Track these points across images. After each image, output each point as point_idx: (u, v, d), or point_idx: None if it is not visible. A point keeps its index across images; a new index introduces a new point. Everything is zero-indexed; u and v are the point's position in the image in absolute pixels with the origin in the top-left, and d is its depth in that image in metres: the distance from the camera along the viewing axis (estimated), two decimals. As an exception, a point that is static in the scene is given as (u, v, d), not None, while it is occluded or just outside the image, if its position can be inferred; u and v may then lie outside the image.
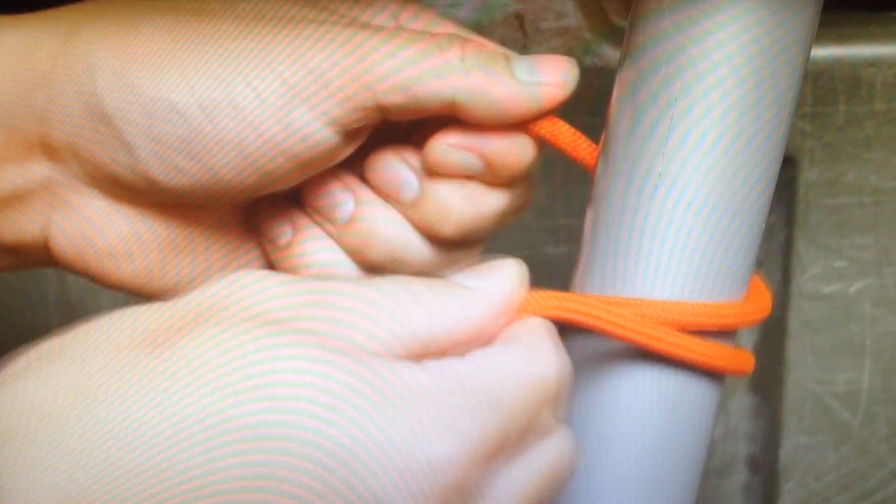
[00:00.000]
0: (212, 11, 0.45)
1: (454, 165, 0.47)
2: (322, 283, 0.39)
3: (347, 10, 0.47)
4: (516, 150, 0.47)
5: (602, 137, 0.46)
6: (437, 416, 0.37)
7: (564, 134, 0.48)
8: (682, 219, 0.44)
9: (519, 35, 0.64)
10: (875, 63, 0.66)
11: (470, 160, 0.47)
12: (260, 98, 0.43)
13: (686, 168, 0.44)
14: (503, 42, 0.64)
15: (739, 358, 0.46)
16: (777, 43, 0.43)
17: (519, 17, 0.64)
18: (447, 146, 0.47)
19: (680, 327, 0.44)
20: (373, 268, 0.49)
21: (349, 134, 0.46)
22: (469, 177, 0.48)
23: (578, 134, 0.48)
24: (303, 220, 0.49)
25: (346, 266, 0.49)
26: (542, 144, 0.48)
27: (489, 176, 0.48)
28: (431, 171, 0.48)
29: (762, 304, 0.46)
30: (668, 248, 0.44)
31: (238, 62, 0.43)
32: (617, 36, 0.65)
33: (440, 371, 0.38)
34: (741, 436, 0.73)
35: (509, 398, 0.39)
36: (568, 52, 0.64)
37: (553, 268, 0.65)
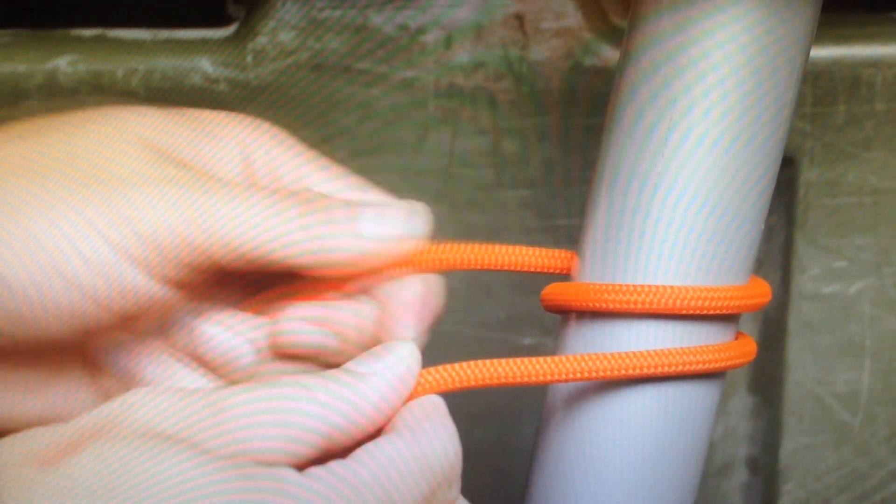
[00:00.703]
0: (44, 167, 0.44)
1: (305, 345, 0.47)
2: (216, 394, 0.40)
3: (191, 142, 0.47)
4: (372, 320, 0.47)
5: (602, 137, 0.46)
6: None
7: (442, 255, 0.46)
8: (682, 219, 0.44)
9: (519, 35, 0.64)
10: (875, 63, 0.66)
11: (322, 338, 0.47)
12: (90, 266, 0.44)
13: (686, 168, 0.44)
14: (503, 42, 0.64)
15: (739, 351, 0.46)
16: (777, 43, 0.43)
17: (519, 18, 0.64)
18: (301, 322, 0.47)
19: (682, 311, 0.44)
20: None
21: (188, 285, 0.46)
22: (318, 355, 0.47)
23: (458, 245, 0.47)
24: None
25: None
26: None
27: (339, 349, 0.47)
28: (277, 353, 0.47)
29: (762, 289, 0.46)
30: (668, 248, 0.44)
31: (69, 230, 0.43)
32: (617, 36, 0.65)
33: (325, 475, 0.39)
34: (741, 437, 0.73)
35: (397, 490, 0.40)
36: (568, 52, 0.64)
37: (553, 268, 0.65)
